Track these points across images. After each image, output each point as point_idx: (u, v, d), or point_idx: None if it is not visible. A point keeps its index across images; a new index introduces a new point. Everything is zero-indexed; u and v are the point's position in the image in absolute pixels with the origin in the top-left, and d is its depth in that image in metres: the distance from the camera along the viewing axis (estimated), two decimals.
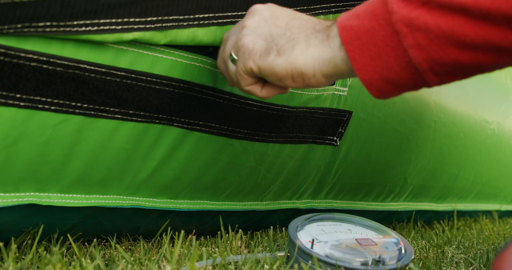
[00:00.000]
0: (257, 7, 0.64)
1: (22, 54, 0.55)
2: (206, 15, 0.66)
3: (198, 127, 0.73)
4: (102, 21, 0.58)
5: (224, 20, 0.68)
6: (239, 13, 0.69)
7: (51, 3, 0.54)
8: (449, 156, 1.22)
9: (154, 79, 0.66)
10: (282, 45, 0.60)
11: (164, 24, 0.63)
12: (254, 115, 0.77)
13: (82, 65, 0.59)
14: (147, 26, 0.61)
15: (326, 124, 0.90)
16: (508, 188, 1.51)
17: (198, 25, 0.66)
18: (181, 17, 0.64)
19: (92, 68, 0.60)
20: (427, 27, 0.54)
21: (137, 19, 0.60)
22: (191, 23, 0.65)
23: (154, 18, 0.62)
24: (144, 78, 0.65)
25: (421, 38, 0.55)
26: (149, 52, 0.64)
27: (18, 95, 0.56)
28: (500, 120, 1.37)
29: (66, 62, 0.58)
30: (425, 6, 0.55)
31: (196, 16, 0.65)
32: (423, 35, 0.55)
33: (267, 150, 0.84)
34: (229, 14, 0.68)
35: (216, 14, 0.67)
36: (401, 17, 0.55)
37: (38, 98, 0.58)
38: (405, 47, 0.56)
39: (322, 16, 0.79)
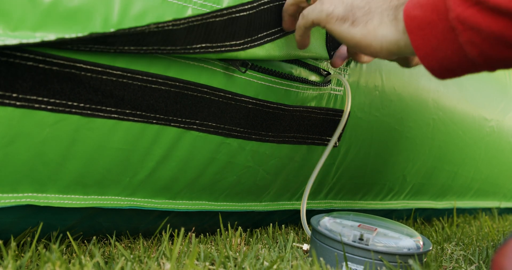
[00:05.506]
0: None
1: (18, 54, 0.56)
2: (203, 45, 0.67)
3: (195, 126, 0.73)
4: (96, 46, 0.60)
5: (222, 49, 0.69)
6: (238, 42, 0.71)
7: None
8: (448, 154, 1.22)
9: (149, 78, 0.66)
10: (358, 17, 0.67)
11: (159, 51, 0.65)
12: (249, 112, 0.78)
13: (78, 64, 0.60)
14: (141, 52, 0.63)
15: (325, 125, 0.90)
16: (507, 185, 1.50)
17: (194, 53, 0.67)
18: (179, 48, 0.66)
19: (88, 67, 0.61)
20: (479, 27, 0.57)
21: (132, 47, 0.62)
22: (186, 51, 0.66)
23: (150, 47, 0.63)
24: (140, 77, 0.65)
25: (474, 36, 0.58)
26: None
27: (14, 95, 0.57)
28: (499, 117, 1.36)
29: (62, 61, 0.59)
30: (477, 6, 0.57)
31: (193, 46, 0.67)
32: (476, 34, 0.57)
33: (265, 150, 0.84)
34: (227, 43, 0.70)
35: (214, 44, 0.68)
36: (456, 15, 0.58)
37: (35, 97, 0.58)
38: (461, 43, 0.59)
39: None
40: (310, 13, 0.71)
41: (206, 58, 0.70)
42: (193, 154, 0.75)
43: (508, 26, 0.56)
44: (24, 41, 0.54)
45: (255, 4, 0.72)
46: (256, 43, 0.73)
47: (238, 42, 0.71)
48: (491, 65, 0.60)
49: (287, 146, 0.87)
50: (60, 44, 0.57)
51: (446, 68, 0.62)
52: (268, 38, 0.75)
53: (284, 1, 0.76)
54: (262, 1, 0.73)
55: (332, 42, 0.85)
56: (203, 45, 0.67)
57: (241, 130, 0.79)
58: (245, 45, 0.71)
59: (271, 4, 0.74)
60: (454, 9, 0.58)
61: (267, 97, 0.79)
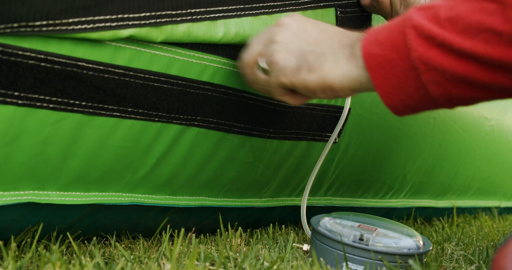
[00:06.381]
0: (286, 21, 0.67)
1: (20, 52, 0.55)
2: (198, 10, 0.67)
3: (196, 123, 0.73)
4: (97, 18, 0.58)
5: (216, 15, 0.68)
6: (230, 7, 0.70)
7: None
8: (448, 153, 1.22)
9: (152, 76, 0.66)
10: (312, 62, 0.64)
11: (158, 20, 0.63)
12: (250, 109, 0.78)
13: (80, 63, 0.59)
14: (142, 22, 0.62)
15: (325, 121, 0.90)
16: (507, 184, 1.51)
17: (192, 20, 0.66)
18: (174, 12, 0.64)
19: (90, 65, 0.60)
20: (443, 68, 0.57)
21: (131, 15, 0.61)
22: (184, 18, 0.65)
23: (148, 14, 0.62)
24: (142, 75, 0.65)
25: (437, 77, 0.57)
26: (147, 50, 0.64)
27: (16, 93, 0.56)
28: (499, 116, 1.37)
29: (64, 60, 0.58)
30: (440, 47, 0.57)
31: (188, 10, 0.66)
32: (439, 74, 0.57)
33: (266, 146, 0.84)
34: (220, 8, 0.69)
35: (208, 9, 0.67)
36: (418, 55, 0.57)
37: (36, 96, 0.58)
38: (424, 82, 0.58)
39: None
40: (274, 78, 0.67)
41: (210, 53, 0.70)
42: (193, 150, 0.75)
43: (473, 69, 0.56)
44: None
45: None
46: (251, 12, 0.72)
47: (229, 7, 0.70)
48: (453, 103, 0.60)
49: (288, 142, 0.87)
50: None
51: (407, 105, 0.61)
52: (265, 10, 0.74)
53: None
54: None
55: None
56: (197, 10, 0.66)
57: (242, 126, 0.78)
58: (239, 12, 0.70)
59: None
60: (416, 48, 0.58)
61: None
